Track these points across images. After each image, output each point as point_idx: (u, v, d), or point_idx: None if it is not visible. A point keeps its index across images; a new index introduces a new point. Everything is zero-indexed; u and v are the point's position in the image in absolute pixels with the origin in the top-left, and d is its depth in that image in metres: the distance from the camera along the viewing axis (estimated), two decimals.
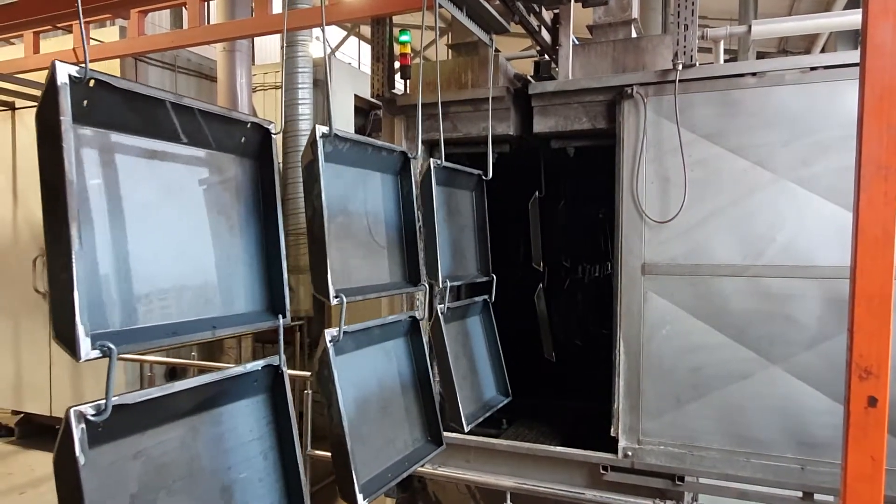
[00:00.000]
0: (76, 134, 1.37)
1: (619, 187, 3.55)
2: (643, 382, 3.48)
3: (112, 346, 1.35)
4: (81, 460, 1.30)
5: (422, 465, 2.79)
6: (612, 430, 3.54)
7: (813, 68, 3.22)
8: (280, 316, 1.98)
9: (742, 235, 3.30)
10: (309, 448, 4.11)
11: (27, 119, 6.27)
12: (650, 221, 3.46)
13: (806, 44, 11.43)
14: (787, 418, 3.22)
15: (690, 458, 3.38)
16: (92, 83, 1.37)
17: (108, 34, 6.04)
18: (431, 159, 3.05)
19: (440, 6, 3.14)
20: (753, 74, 3.31)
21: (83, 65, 1.33)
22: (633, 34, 4.19)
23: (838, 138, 3.12)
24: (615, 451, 3.51)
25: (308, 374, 4.39)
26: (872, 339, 1.79)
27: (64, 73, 1.30)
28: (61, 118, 1.28)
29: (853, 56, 3.15)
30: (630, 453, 3.49)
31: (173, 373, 5.97)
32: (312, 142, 2.17)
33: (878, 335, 1.79)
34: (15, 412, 6.67)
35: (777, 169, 3.24)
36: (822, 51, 10.45)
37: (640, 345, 3.48)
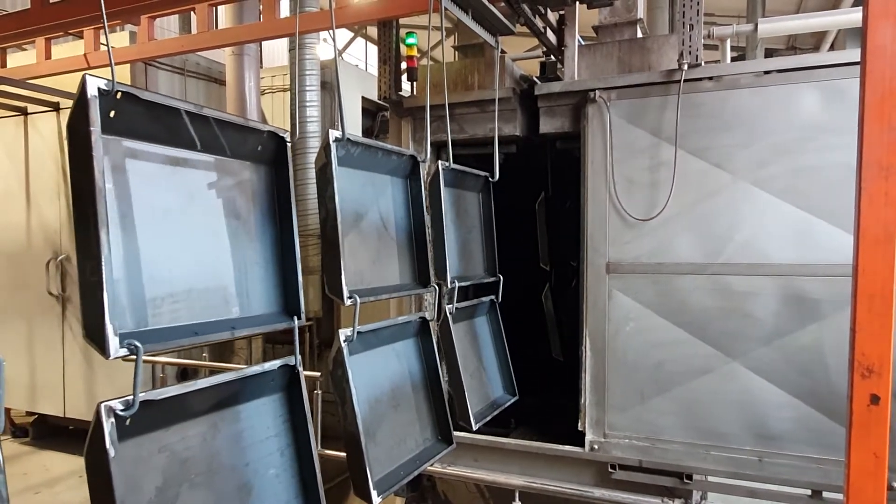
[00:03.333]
0: (104, 143, 1.43)
1: (584, 188, 3.62)
2: (608, 378, 3.55)
3: (139, 344, 1.42)
4: (111, 453, 1.36)
5: (432, 464, 2.83)
6: (579, 424, 3.61)
7: (767, 72, 3.28)
8: (295, 317, 2.03)
9: (702, 235, 3.37)
10: (319, 447, 4.14)
11: (39, 124, 6.32)
12: (615, 221, 3.53)
13: (815, 41, 11.40)
14: (745, 412, 3.28)
15: (655, 451, 3.45)
16: (119, 95, 1.43)
17: (118, 39, 6.10)
18: (440, 161, 3.08)
19: (446, 9, 3.18)
20: (710, 79, 3.36)
21: (110, 78, 1.39)
22: (639, 34, 4.22)
23: (793, 140, 3.20)
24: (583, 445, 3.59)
25: (318, 374, 4.39)
26: (874, 337, 1.82)
27: (94, 86, 1.36)
28: (91, 129, 1.34)
29: (804, 60, 3.25)
30: (596, 447, 3.57)
31: (185, 374, 6.04)
32: (326, 145, 2.23)
33: (879, 334, 1.82)
34: (29, 413, 6.76)
35: (735, 170, 3.31)
36: (832, 48, 10.43)
37: (605, 341, 3.55)
